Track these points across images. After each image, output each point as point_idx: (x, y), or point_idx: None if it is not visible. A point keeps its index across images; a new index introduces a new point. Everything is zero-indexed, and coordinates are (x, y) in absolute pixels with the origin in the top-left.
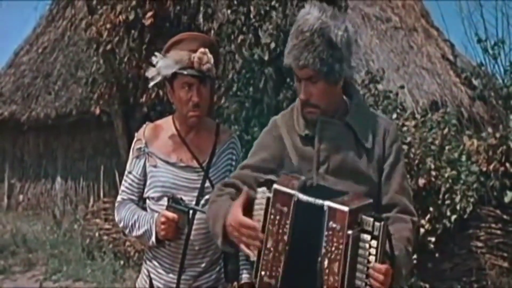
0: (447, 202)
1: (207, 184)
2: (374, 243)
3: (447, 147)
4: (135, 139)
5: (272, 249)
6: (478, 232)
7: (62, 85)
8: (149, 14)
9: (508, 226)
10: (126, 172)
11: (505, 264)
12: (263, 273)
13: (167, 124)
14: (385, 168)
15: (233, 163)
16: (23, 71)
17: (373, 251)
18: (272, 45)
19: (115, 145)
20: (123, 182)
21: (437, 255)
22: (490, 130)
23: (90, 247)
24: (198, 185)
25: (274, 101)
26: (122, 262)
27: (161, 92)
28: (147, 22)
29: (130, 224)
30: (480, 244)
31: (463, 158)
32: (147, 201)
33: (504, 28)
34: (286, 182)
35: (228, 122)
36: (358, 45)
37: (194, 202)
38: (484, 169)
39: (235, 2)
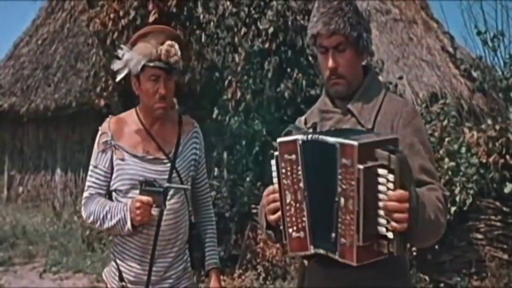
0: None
1: (174, 174)
2: (391, 177)
3: (446, 139)
4: (99, 133)
5: (292, 202)
6: (477, 224)
7: (61, 77)
8: (153, 11)
9: (508, 218)
10: (91, 167)
11: (505, 256)
12: (290, 230)
13: (131, 117)
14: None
15: (198, 152)
16: (22, 63)
17: (391, 185)
18: (271, 30)
19: None
20: (88, 177)
21: (436, 247)
22: (490, 122)
23: (90, 239)
24: (166, 176)
25: (274, 93)
26: None
27: None
28: (151, 19)
29: (101, 216)
30: (479, 236)
31: (463, 150)
32: (114, 194)
33: (503, 21)
34: (290, 134)
35: (228, 113)
36: None
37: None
38: (484, 161)
39: None
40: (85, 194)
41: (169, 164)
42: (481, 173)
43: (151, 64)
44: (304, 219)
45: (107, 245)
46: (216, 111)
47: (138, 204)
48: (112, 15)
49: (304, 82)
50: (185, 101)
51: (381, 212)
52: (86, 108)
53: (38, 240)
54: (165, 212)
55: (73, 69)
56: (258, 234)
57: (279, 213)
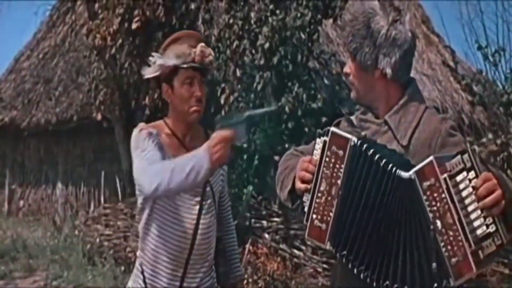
0: None
1: (208, 188)
2: (472, 174)
3: None
4: (137, 129)
5: (325, 192)
6: None
7: (62, 90)
8: (136, 18)
9: None
10: (139, 154)
11: (506, 271)
12: (314, 216)
13: (161, 127)
14: None
15: (225, 167)
16: (23, 77)
17: (474, 181)
18: (267, 45)
19: (115, 150)
20: (138, 163)
21: None
22: (491, 136)
23: (90, 253)
24: (200, 190)
25: (275, 107)
26: (122, 268)
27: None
28: (134, 26)
29: (168, 171)
30: None
31: None
32: (148, 199)
33: (504, 35)
34: (345, 130)
35: None
36: None
37: (197, 207)
38: None
39: (234, 7)
40: (142, 164)
41: None
42: None
43: (186, 65)
44: (331, 214)
45: (107, 259)
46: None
47: (216, 141)
48: (110, 29)
49: (304, 96)
50: None
51: (480, 214)
52: (87, 122)
53: (39, 254)
54: (201, 226)
55: (74, 83)
56: (259, 248)
57: (309, 187)
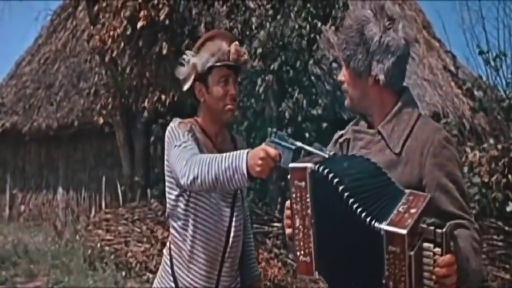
0: None
1: (238, 190)
2: (438, 250)
3: None
4: (175, 123)
5: (300, 227)
6: None
7: (63, 96)
8: (142, 18)
9: (510, 238)
10: (178, 145)
11: (507, 276)
12: (298, 253)
13: (195, 124)
14: (428, 181)
15: None
16: (24, 82)
17: (438, 257)
18: (259, 50)
19: (116, 155)
20: (179, 153)
21: None
22: (492, 141)
23: (91, 258)
24: (232, 192)
25: (276, 113)
26: (123, 273)
27: (163, 97)
28: (140, 24)
29: (207, 162)
30: (482, 256)
31: (465, 169)
32: (181, 197)
33: (506, 40)
34: (305, 160)
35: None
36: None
37: (229, 209)
38: (486, 180)
39: (235, 11)
40: (184, 154)
41: None
42: (483, 193)
43: (220, 63)
44: (311, 245)
45: (108, 264)
46: None
47: (263, 154)
48: (111, 33)
49: (305, 102)
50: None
51: (431, 283)
52: (88, 127)
53: (40, 259)
54: (233, 229)
55: (76, 88)
56: (260, 253)
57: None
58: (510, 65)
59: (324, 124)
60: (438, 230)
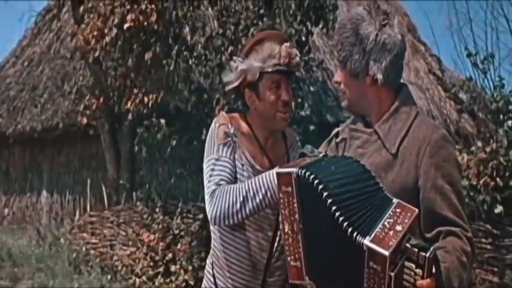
0: None
1: None
2: (419, 271)
3: None
4: (216, 125)
5: (289, 232)
6: None
7: (48, 98)
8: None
9: (498, 241)
10: (212, 161)
11: (495, 279)
12: (289, 258)
13: (240, 125)
14: (424, 181)
15: None
16: (8, 84)
17: (418, 278)
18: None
19: (101, 158)
20: (209, 171)
21: None
22: (480, 144)
23: (77, 261)
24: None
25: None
26: (109, 277)
27: (145, 99)
28: (126, 26)
29: (240, 199)
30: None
31: None
32: None
33: (493, 43)
34: (292, 164)
35: None
36: None
37: (274, 217)
38: (474, 183)
39: (224, 13)
40: (211, 187)
41: None
42: (471, 196)
43: (271, 69)
44: (300, 250)
45: (94, 267)
46: (204, 132)
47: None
48: (95, 33)
49: (293, 104)
50: (173, 122)
51: None
52: (73, 130)
53: (24, 263)
54: (278, 237)
55: (60, 90)
56: None
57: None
58: (498, 68)
59: (311, 127)
60: (422, 253)
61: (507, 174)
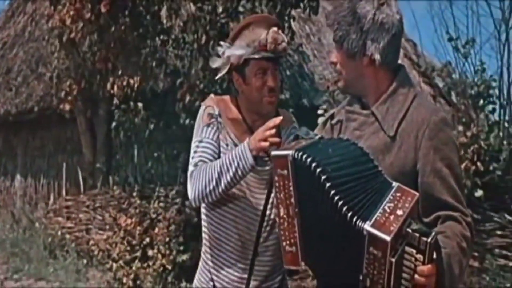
0: None
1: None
2: (420, 257)
3: None
4: (203, 107)
5: (285, 216)
6: None
7: (22, 81)
8: (105, 1)
9: (478, 225)
10: (195, 143)
11: (476, 264)
12: (284, 243)
13: (228, 107)
14: (423, 165)
15: None
16: None
17: (419, 263)
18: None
19: (77, 142)
20: (192, 153)
21: None
22: (461, 128)
23: (52, 246)
24: (266, 177)
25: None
26: (85, 261)
27: (131, 81)
28: (104, 9)
29: (215, 175)
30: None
31: None
32: None
33: (474, 27)
34: (289, 146)
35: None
36: (322, 43)
37: (264, 196)
38: None
39: None
40: (190, 169)
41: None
42: None
43: (257, 56)
44: (296, 235)
45: (69, 252)
46: (183, 116)
47: (262, 130)
48: (71, 13)
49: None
50: (149, 106)
51: (409, 285)
52: (48, 113)
53: None
54: (266, 218)
55: (35, 73)
56: None
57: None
58: (479, 52)
59: (290, 110)
60: (423, 239)
61: (487, 158)
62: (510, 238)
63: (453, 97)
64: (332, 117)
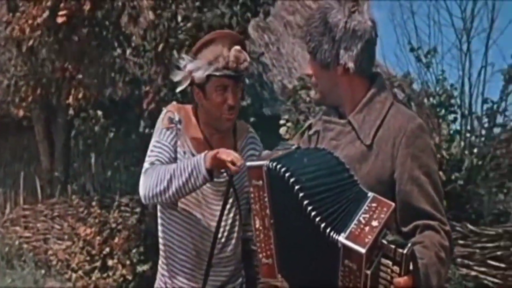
0: None
1: (231, 188)
2: (396, 268)
3: None
4: (164, 112)
5: (261, 227)
6: None
7: None
8: (62, 12)
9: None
10: (154, 143)
11: None
12: (260, 256)
13: (189, 117)
14: (400, 173)
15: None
16: None
17: (395, 275)
18: (187, 43)
19: (34, 150)
20: (149, 152)
21: None
22: None
23: (9, 256)
24: (222, 188)
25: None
26: (43, 271)
27: (87, 93)
28: (60, 20)
29: (167, 177)
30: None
31: None
32: None
33: (436, 37)
34: (264, 156)
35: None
36: (281, 53)
37: (219, 207)
38: None
39: (161, 4)
40: (146, 165)
41: (226, 176)
42: None
43: (218, 73)
44: (272, 246)
45: (27, 262)
46: (142, 124)
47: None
48: (30, 21)
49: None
50: (109, 114)
51: None
52: (5, 121)
53: None
54: (222, 228)
55: None
56: None
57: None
58: (441, 61)
59: (252, 119)
60: (399, 250)
61: (449, 168)
62: (472, 247)
63: (413, 108)
64: (309, 127)
